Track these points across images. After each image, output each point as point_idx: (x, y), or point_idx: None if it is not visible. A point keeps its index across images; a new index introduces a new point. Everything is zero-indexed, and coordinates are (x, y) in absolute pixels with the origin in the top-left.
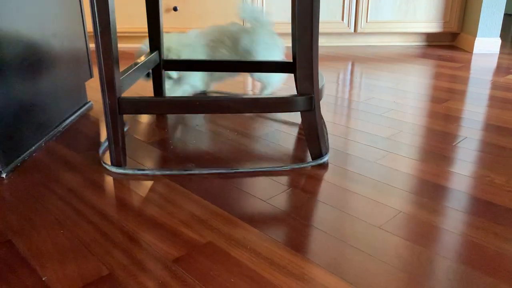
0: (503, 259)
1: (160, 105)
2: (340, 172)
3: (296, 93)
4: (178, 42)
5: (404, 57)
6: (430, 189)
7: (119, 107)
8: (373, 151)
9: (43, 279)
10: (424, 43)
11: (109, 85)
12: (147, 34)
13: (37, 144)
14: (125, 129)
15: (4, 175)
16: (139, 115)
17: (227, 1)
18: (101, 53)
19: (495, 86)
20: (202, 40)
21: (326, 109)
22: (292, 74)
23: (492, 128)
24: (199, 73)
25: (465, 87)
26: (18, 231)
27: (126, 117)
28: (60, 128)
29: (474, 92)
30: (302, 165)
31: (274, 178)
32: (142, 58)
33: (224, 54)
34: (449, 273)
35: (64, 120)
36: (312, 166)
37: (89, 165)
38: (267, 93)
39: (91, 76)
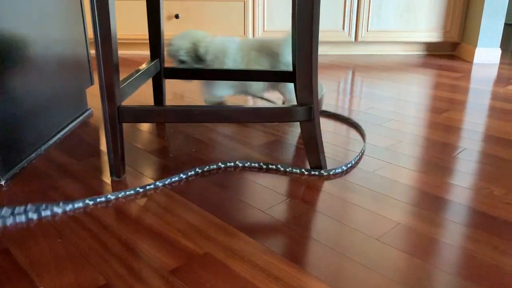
0: (502, 273)
1: (160, 114)
2: (339, 182)
3: (295, 103)
4: (212, 41)
5: (404, 66)
6: (429, 201)
7: (119, 116)
8: (373, 161)
9: None
10: (424, 53)
11: (109, 94)
12: (147, 41)
13: (36, 151)
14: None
15: (3, 183)
16: (138, 123)
17: (229, 9)
18: (101, 62)
19: (495, 96)
20: (239, 47)
21: (326, 118)
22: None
23: (492, 139)
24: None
25: (465, 97)
26: (16, 239)
27: (128, 125)
28: (60, 135)
29: (474, 102)
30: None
31: (273, 188)
32: (144, 66)
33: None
34: (447, 287)
35: (64, 127)
36: (311, 176)
37: (88, 173)
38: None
39: (91, 83)
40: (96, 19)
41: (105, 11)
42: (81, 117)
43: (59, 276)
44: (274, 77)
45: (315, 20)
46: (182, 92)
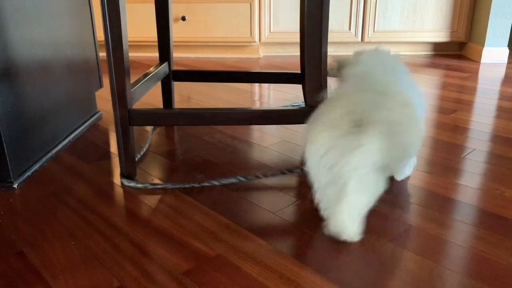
0: None
1: (171, 117)
2: None
3: (304, 105)
4: None
5: (411, 66)
6: (439, 202)
7: (129, 119)
8: None
9: None
10: (431, 53)
11: (120, 98)
12: (155, 43)
13: (48, 154)
14: None
15: (15, 186)
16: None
17: (236, 10)
18: (112, 66)
19: (503, 96)
20: None
21: None
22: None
23: (501, 139)
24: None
25: (473, 98)
26: (30, 242)
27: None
28: (70, 138)
29: (482, 102)
30: None
31: (283, 189)
32: (153, 69)
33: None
34: None
35: (74, 130)
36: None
37: (100, 176)
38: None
39: (101, 85)
40: (108, 24)
41: (116, 17)
42: (90, 120)
43: (73, 278)
44: (282, 79)
45: (324, 22)
46: (189, 94)
